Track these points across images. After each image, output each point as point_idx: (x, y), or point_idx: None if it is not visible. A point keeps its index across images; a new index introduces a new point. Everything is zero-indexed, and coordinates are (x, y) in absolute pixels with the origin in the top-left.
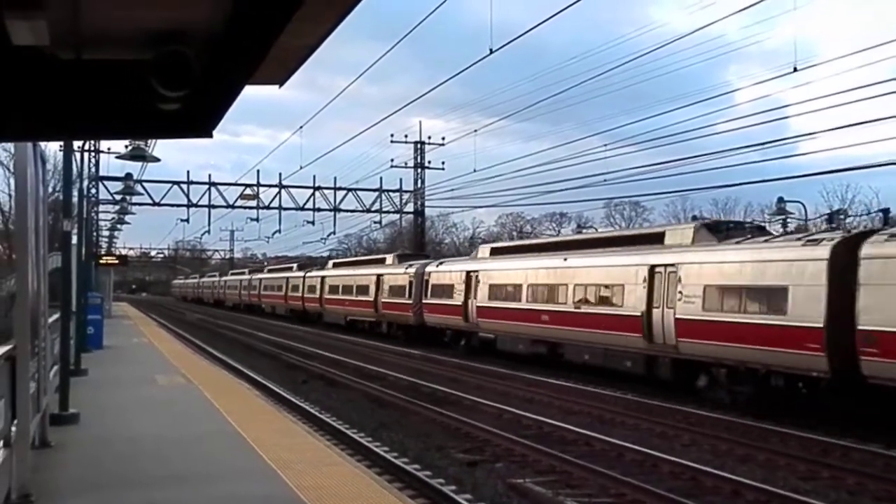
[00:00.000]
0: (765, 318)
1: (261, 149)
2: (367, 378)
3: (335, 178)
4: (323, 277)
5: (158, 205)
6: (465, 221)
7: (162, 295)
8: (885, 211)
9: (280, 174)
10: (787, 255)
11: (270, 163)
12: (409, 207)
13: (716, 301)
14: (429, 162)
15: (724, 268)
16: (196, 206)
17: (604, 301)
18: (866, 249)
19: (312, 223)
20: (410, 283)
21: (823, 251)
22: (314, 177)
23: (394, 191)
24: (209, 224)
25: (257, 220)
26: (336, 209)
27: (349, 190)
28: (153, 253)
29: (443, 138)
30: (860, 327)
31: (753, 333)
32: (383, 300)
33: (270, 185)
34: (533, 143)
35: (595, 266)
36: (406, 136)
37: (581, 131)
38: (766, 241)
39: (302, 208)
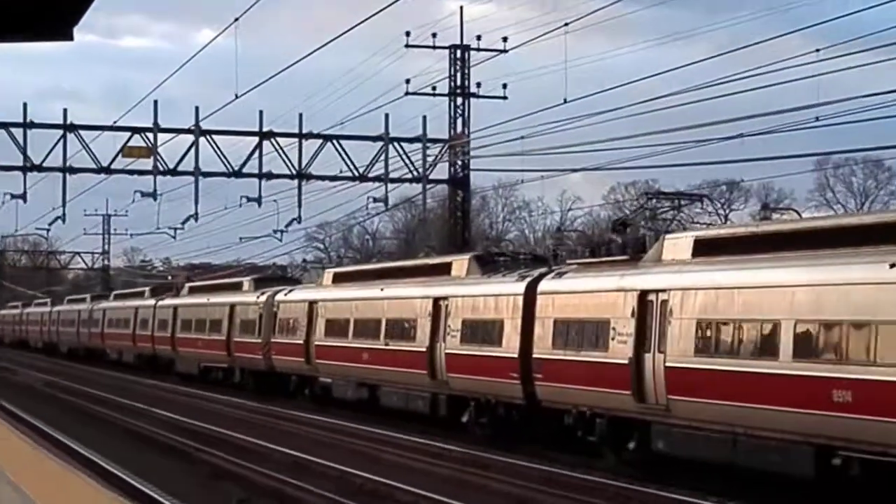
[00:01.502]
0: (488, 350)
1: (158, 61)
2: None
3: (300, 118)
4: (175, 307)
5: None
6: (549, 197)
7: None
8: None
9: (197, 109)
10: (503, 289)
11: (178, 87)
12: (440, 172)
13: (469, 335)
14: (477, 85)
15: (475, 301)
16: (40, 168)
17: (402, 336)
18: (541, 286)
19: (259, 201)
20: (260, 316)
21: (520, 287)
22: (261, 115)
23: (410, 140)
24: (64, 204)
25: (154, 195)
26: (302, 175)
27: (326, 139)
28: None
29: (504, 40)
30: (534, 356)
31: (482, 366)
32: (235, 339)
33: (178, 130)
34: (678, 48)
35: (394, 298)
36: (434, 37)
37: (770, 24)
38: (503, 275)
39: (238, 173)
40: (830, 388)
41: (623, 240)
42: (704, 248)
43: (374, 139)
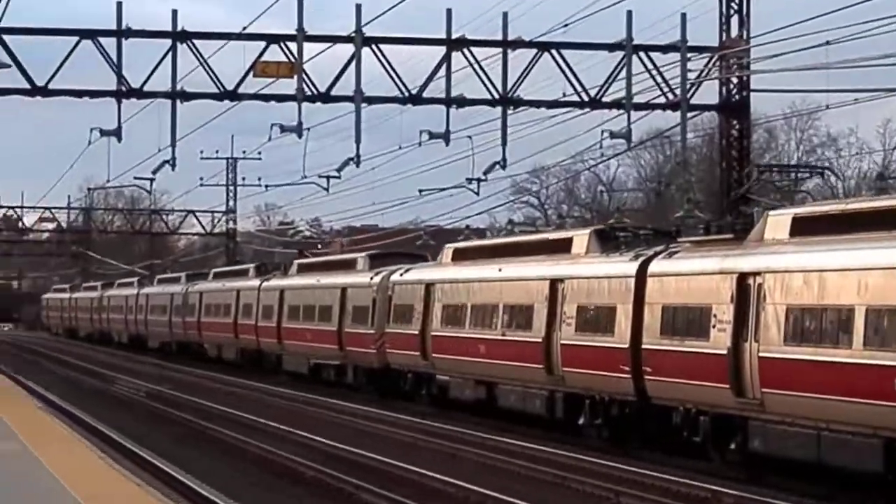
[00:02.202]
0: (601, 339)
1: None
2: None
3: (504, 19)
4: (282, 290)
5: (45, 93)
6: (865, 129)
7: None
8: None
9: (358, 9)
10: (615, 270)
11: None
12: (706, 95)
13: (583, 323)
14: None
15: (589, 284)
16: (140, 94)
17: (519, 324)
18: (651, 267)
19: (446, 138)
20: (374, 301)
21: (632, 267)
22: (448, 17)
23: (663, 49)
24: (174, 143)
25: (298, 131)
26: (507, 100)
27: (541, 48)
28: (28, 218)
29: None
30: (643, 346)
31: (595, 358)
32: (347, 330)
33: (333, 38)
34: None
35: (512, 279)
36: None
37: None
38: (620, 253)
39: (416, 98)
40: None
41: (736, 216)
42: (802, 227)
43: (611, 48)
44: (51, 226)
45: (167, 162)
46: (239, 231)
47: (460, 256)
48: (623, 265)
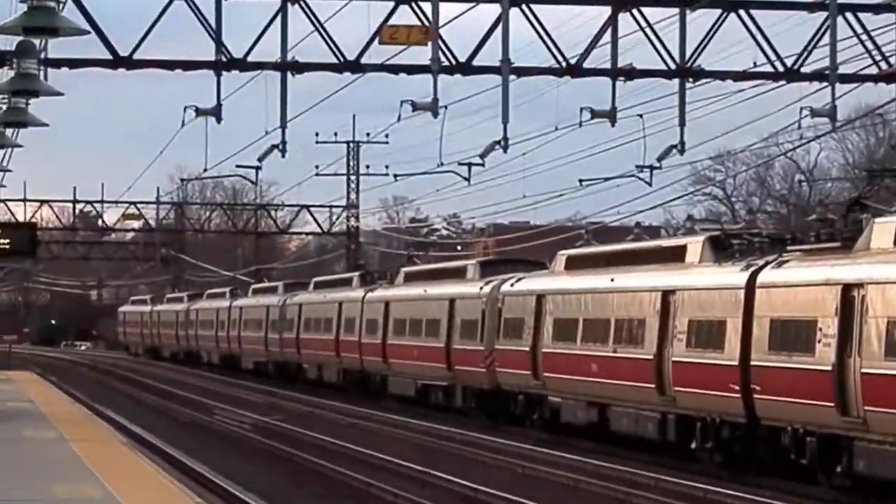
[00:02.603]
0: (711, 356)
1: None
2: None
3: None
4: (387, 302)
5: (130, 65)
6: None
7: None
8: None
9: None
10: (725, 280)
11: None
12: None
13: (694, 338)
14: None
15: (700, 296)
16: (243, 65)
17: (630, 340)
18: (760, 277)
19: (611, 117)
20: (483, 313)
21: (741, 278)
22: None
23: (874, 8)
24: (284, 124)
25: (434, 108)
26: (685, 70)
27: (727, 7)
28: (109, 215)
29: None
30: (751, 362)
31: (705, 376)
32: (455, 346)
33: None
34: None
35: (623, 290)
36: None
37: None
38: (732, 263)
39: (576, 69)
40: None
41: (844, 224)
42: None
43: (811, 7)
44: (136, 224)
45: (276, 147)
46: (362, 229)
47: (574, 264)
48: (732, 275)
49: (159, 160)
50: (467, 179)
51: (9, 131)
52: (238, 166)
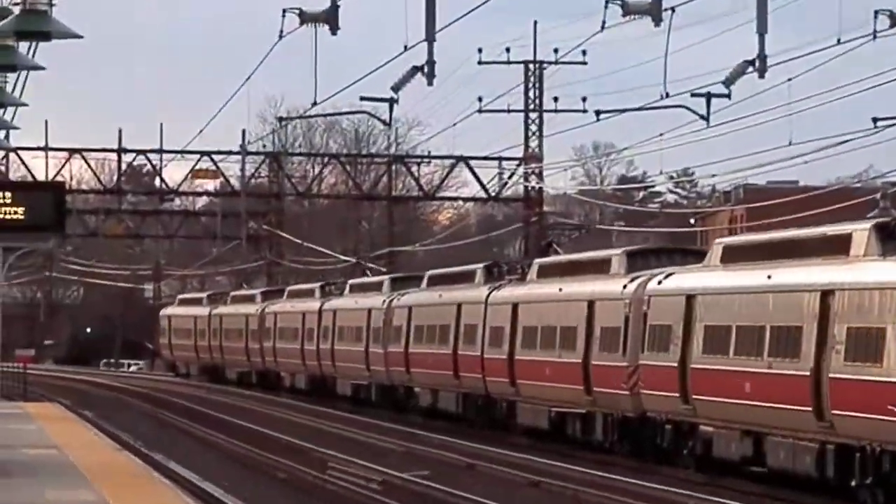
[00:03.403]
0: (868, 370)
1: None
2: None
3: None
4: (515, 304)
5: None
6: None
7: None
8: None
9: None
10: (883, 277)
11: None
12: None
13: (853, 349)
14: None
15: (860, 297)
16: None
17: (786, 351)
18: None
19: None
20: (626, 319)
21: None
22: None
23: None
24: (431, 36)
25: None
26: None
27: None
28: (171, 171)
29: None
30: None
31: (863, 395)
32: (595, 362)
33: None
34: None
35: (780, 290)
36: None
37: None
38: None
39: None
40: None
41: None
42: None
43: None
44: (211, 185)
45: (419, 70)
46: (547, 193)
47: (731, 256)
48: (891, 271)
49: (245, 90)
50: (704, 118)
51: (23, 45)
52: (363, 99)
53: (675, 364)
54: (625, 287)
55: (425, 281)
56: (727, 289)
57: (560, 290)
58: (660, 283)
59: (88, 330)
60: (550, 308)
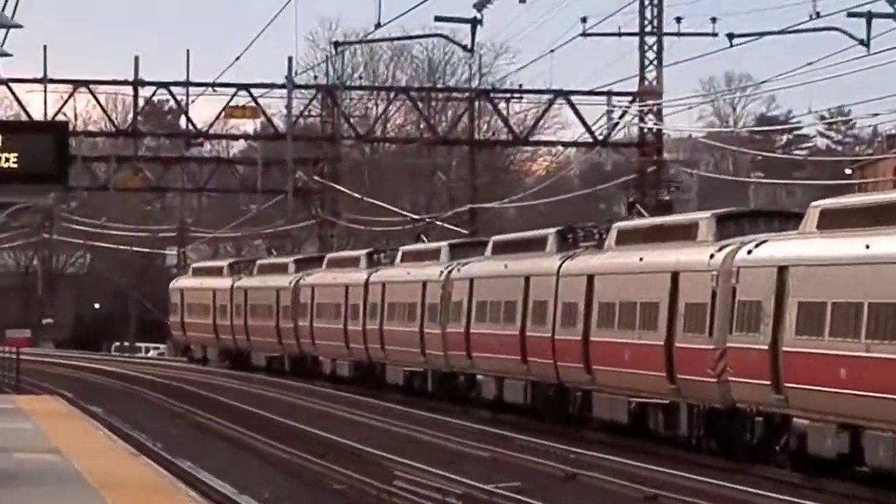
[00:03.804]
0: None
1: None
2: None
3: None
4: (590, 276)
5: None
6: None
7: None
8: None
9: None
10: None
11: None
12: None
13: None
14: None
15: None
16: None
17: (886, 332)
18: None
19: None
20: (713, 294)
21: None
22: None
23: None
24: None
25: None
26: None
27: None
28: (199, 109)
29: None
30: None
31: None
32: (679, 345)
33: None
34: None
35: (881, 261)
36: None
37: None
38: None
39: None
40: None
41: None
42: None
43: None
44: (250, 126)
45: None
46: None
47: (828, 221)
48: None
49: (292, 8)
50: (864, 43)
51: None
52: (438, 19)
53: (766, 347)
54: (712, 257)
55: (489, 248)
56: (822, 259)
57: (641, 259)
58: (750, 252)
59: (97, 306)
60: (630, 280)
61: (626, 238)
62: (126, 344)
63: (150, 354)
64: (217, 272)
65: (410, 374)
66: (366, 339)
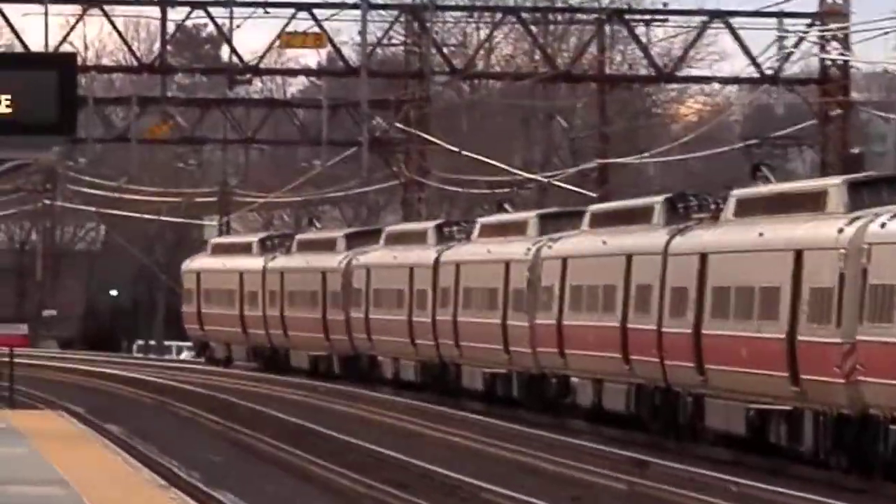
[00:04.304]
0: None
1: None
2: None
3: None
4: (703, 255)
5: None
6: None
7: None
8: None
9: None
10: None
11: None
12: None
13: None
14: None
15: None
16: None
17: None
18: None
19: None
20: (841, 277)
21: None
22: None
23: None
24: None
25: None
26: None
27: None
28: (245, 36)
29: None
30: None
31: None
32: (801, 338)
33: None
34: None
35: None
36: None
37: None
38: None
39: None
40: None
41: None
42: None
43: None
44: (313, 58)
45: None
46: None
47: None
48: None
49: None
50: None
51: None
52: None
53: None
54: (840, 231)
55: (586, 219)
56: None
57: (760, 234)
58: (883, 225)
59: (114, 293)
60: (747, 260)
61: (745, 208)
62: (151, 343)
63: (182, 356)
64: (244, 249)
65: (492, 376)
66: (436, 333)
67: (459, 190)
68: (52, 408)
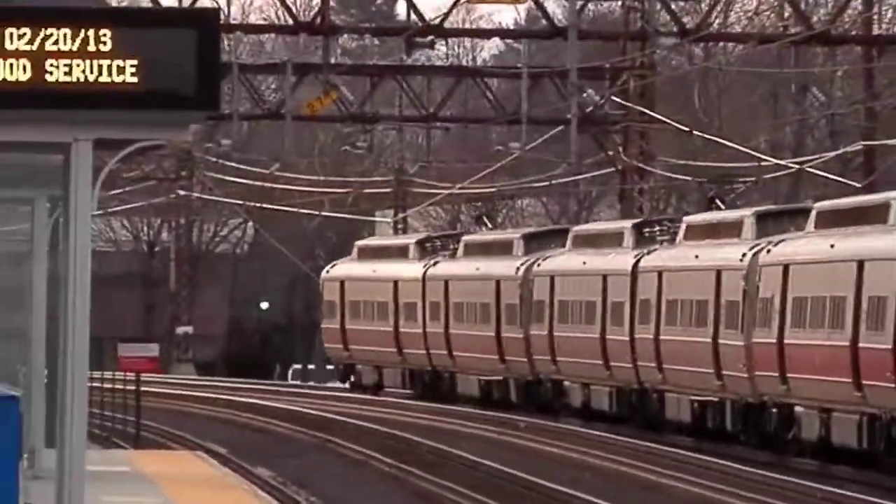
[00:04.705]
0: None
1: None
2: None
3: None
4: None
5: None
6: None
7: None
8: None
9: None
10: None
11: None
12: None
13: None
14: None
15: None
16: None
17: None
18: None
19: None
20: None
21: None
22: None
23: None
24: None
25: None
26: None
27: None
28: None
29: None
30: None
31: None
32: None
33: None
34: None
35: None
36: None
37: None
38: None
39: None
40: None
41: None
42: None
43: None
44: (509, 14)
45: None
46: None
47: None
48: None
49: None
50: None
51: None
52: None
53: None
54: None
55: (811, 219)
56: None
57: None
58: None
59: (264, 306)
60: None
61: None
62: (310, 367)
63: (347, 384)
64: (399, 253)
65: (701, 405)
66: (634, 353)
67: (689, 179)
68: (187, 447)
